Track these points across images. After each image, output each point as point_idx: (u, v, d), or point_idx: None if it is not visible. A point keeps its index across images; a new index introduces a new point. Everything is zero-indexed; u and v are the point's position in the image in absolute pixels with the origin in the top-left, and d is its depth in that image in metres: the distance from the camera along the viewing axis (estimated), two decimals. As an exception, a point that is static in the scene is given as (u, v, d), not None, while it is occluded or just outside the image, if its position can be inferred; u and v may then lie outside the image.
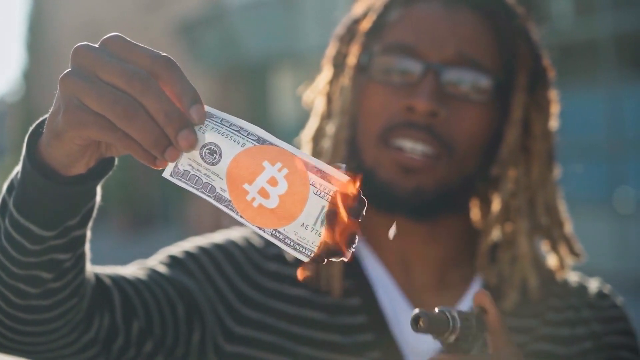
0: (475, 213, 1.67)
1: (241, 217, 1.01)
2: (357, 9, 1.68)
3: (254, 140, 1.01)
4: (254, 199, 1.00)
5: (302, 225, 1.00)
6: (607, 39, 11.98)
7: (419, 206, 1.54)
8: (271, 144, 1.01)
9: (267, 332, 1.54)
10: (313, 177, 0.99)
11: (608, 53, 12.03)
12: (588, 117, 11.83)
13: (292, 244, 1.00)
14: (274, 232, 1.01)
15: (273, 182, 1.00)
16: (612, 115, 12.05)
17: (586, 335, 1.59)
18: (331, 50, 1.68)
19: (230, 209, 1.01)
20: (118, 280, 1.40)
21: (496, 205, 1.63)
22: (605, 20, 11.96)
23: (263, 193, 1.00)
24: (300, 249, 1.00)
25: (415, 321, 1.04)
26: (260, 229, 1.01)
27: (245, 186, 1.00)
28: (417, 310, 1.04)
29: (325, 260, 1.00)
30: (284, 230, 1.00)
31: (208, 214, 15.36)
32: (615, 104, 11.99)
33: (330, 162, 1.59)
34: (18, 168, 1.13)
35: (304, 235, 1.00)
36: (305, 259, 1.00)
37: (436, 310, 1.09)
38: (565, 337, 1.59)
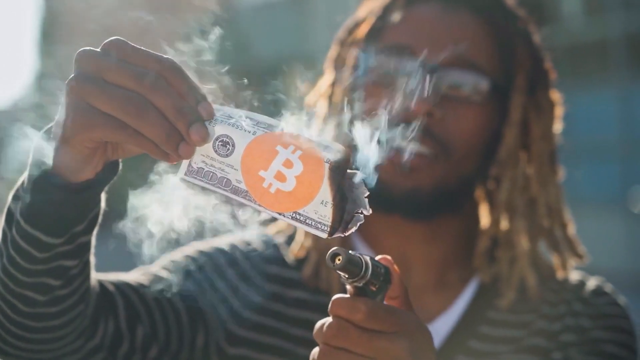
0: (474, 213, 1.67)
1: (259, 205, 1.02)
2: (359, 13, 1.69)
3: (264, 128, 1.02)
4: (270, 184, 1.01)
5: (322, 202, 1.00)
6: (617, 38, 11.95)
7: (416, 206, 1.55)
8: (281, 129, 1.02)
9: (269, 334, 1.55)
10: (325, 154, 1.01)
11: (619, 53, 12.00)
12: (600, 117, 11.81)
13: (313, 223, 1.01)
14: (294, 214, 1.02)
15: (288, 164, 1.01)
16: (624, 115, 12.01)
17: (572, 328, 1.59)
18: (332, 52, 1.69)
19: (248, 199, 1.02)
20: (121, 287, 1.41)
21: (495, 205, 1.63)
22: (616, 20, 11.93)
23: (279, 177, 1.01)
24: (322, 227, 1.01)
25: (332, 258, 1.02)
26: (280, 214, 1.02)
27: (261, 173, 1.01)
28: (336, 248, 1.02)
29: (342, 231, 1.01)
30: (304, 211, 1.01)
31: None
32: (627, 103, 11.96)
33: None
34: (23, 178, 1.14)
35: (324, 213, 1.01)
36: (325, 235, 1.01)
37: (352, 252, 1.06)
38: (555, 331, 1.59)
